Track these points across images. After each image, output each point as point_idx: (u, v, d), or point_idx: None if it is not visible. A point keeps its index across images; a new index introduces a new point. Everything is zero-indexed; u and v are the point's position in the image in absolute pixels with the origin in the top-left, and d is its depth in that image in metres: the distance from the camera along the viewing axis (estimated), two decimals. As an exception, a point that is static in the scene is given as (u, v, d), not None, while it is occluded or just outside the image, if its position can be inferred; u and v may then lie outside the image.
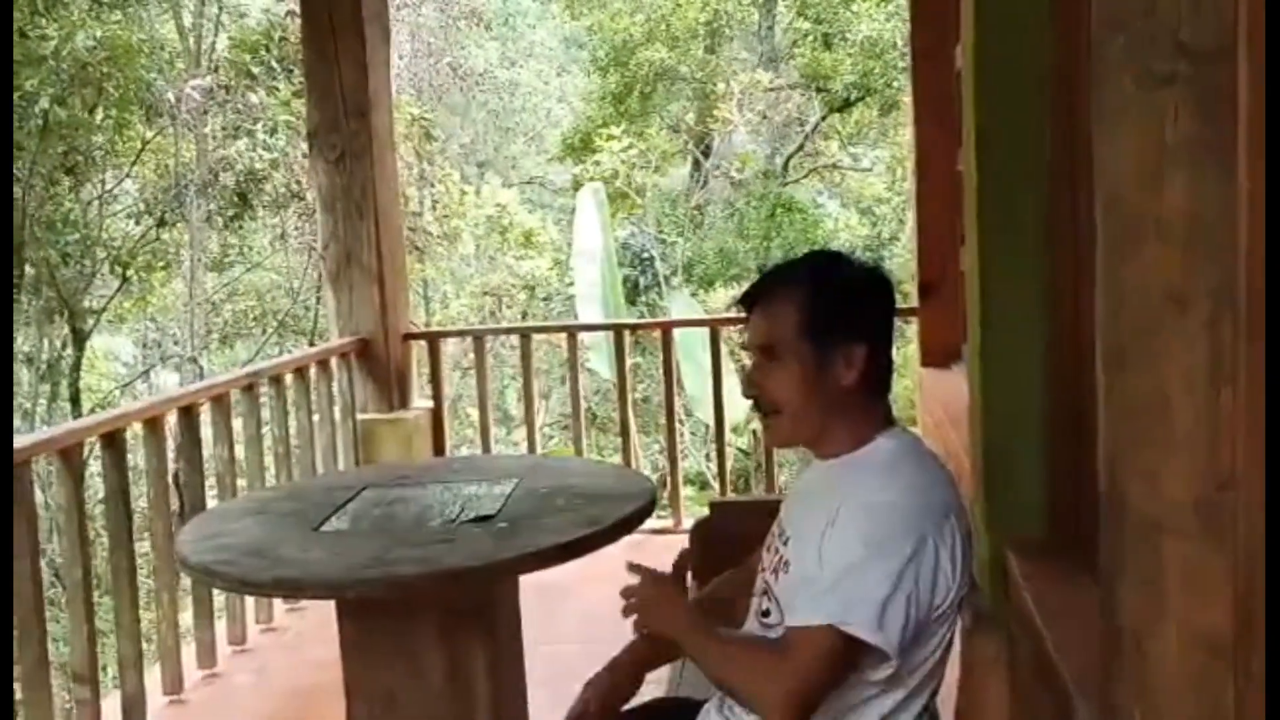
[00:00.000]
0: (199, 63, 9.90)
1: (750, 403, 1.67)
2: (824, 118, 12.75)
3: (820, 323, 1.56)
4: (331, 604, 2.29)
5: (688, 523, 4.57)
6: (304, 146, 8.55)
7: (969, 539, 1.55)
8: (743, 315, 1.66)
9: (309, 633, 3.87)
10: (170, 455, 4.02)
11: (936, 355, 3.98)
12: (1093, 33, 1.11)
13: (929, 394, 3.84)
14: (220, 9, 10.20)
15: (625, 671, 1.82)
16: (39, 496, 3.42)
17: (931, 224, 4.20)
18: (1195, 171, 1.01)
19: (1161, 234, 1.03)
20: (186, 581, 3.76)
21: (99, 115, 9.08)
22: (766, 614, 1.63)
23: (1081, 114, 2.08)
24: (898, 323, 2.11)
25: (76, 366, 9.80)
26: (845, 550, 1.48)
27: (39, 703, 2.87)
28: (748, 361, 1.68)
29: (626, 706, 1.88)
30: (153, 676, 3.39)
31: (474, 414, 8.52)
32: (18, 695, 2.75)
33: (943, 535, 1.49)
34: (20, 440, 2.88)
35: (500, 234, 11.59)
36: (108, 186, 9.73)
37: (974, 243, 2.37)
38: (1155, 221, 1.04)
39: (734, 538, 2.32)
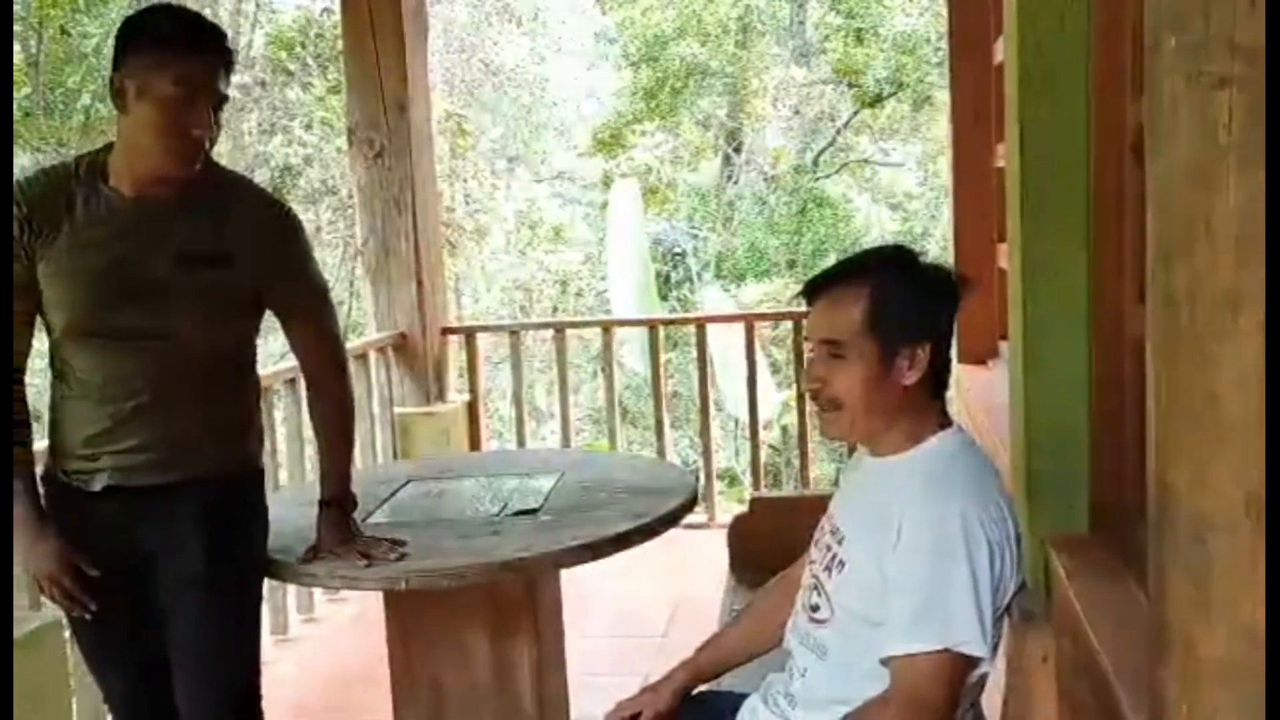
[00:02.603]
0: (236, 59, 10.01)
1: (810, 394, 1.65)
2: (855, 113, 12.71)
3: (887, 321, 1.55)
4: (373, 595, 2.33)
5: (722, 518, 4.60)
6: (338, 142, 8.65)
7: (1019, 537, 1.56)
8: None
9: (349, 623, 3.93)
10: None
11: (973, 353, 3.97)
12: (1146, 34, 1.12)
13: (966, 392, 3.83)
14: (258, 6, 10.29)
15: (666, 695, 1.81)
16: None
17: (968, 220, 4.19)
18: (1248, 174, 1.02)
19: (1213, 235, 1.04)
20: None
21: (138, 111, 9.17)
22: (816, 609, 1.64)
23: (1127, 110, 2.09)
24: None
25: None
26: (921, 568, 1.48)
27: (88, 685, 2.93)
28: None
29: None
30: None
31: (504, 407, 8.59)
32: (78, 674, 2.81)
33: (1001, 535, 1.51)
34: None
35: (530, 228, 11.64)
36: (145, 181, 9.83)
37: (1016, 240, 2.37)
38: (1206, 223, 1.05)
39: (773, 534, 2.34)
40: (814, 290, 1.63)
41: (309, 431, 4.15)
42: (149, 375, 1.92)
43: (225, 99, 1.91)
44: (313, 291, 2.09)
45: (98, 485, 1.95)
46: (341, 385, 2.15)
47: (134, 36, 1.88)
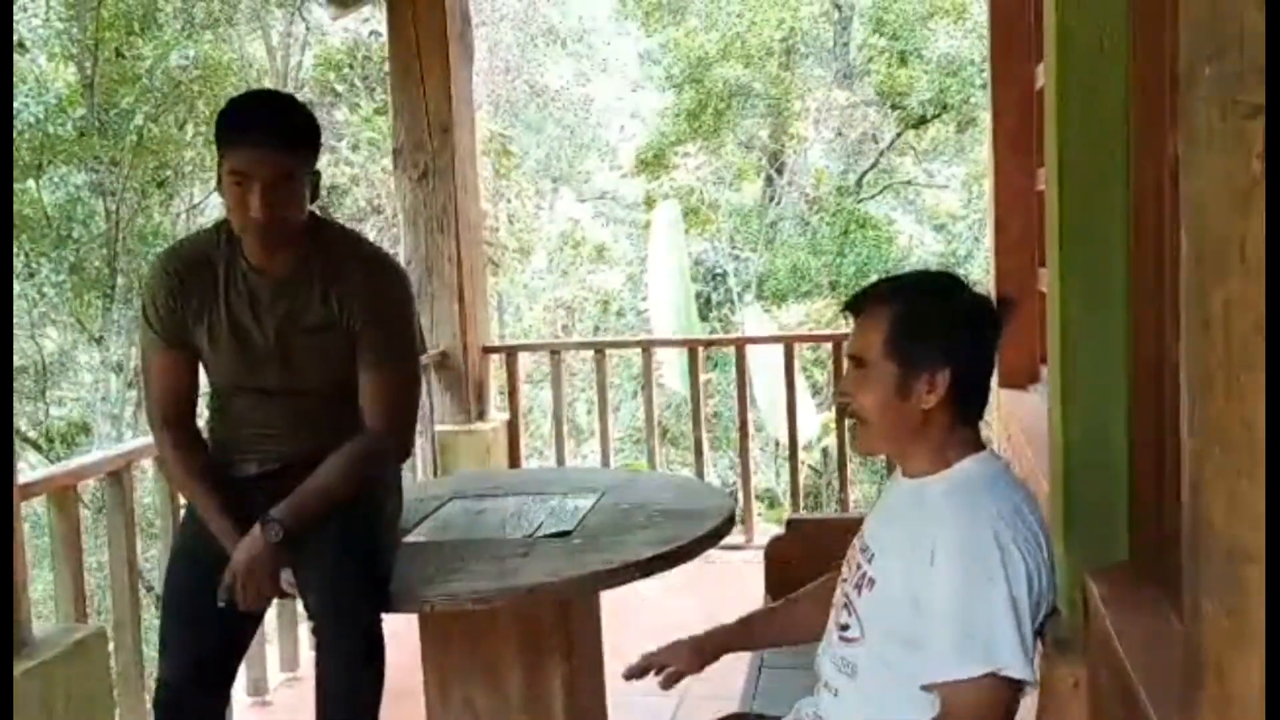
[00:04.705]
0: (285, 81, 10.17)
1: (842, 409, 1.70)
2: (899, 134, 12.68)
3: (906, 343, 1.56)
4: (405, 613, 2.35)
5: (760, 540, 4.58)
6: (384, 162, 8.76)
7: (1053, 563, 1.56)
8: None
9: (386, 639, 3.94)
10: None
11: (1014, 376, 3.94)
12: (1181, 63, 1.13)
13: (1006, 415, 3.80)
14: (307, 29, 10.47)
15: (685, 652, 1.84)
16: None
17: (1009, 244, 4.16)
18: (1282, 201, 1.02)
19: (1248, 264, 1.04)
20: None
21: (189, 131, 9.37)
22: (846, 628, 1.64)
23: (1166, 137, 2.07)
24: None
25: (163, 374, 10.06)
26: (959, 594, 1.48)
27: (131, 694, 2.98)
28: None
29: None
30: (238, 678, 3.48)
31: (544, 425, 8.64)
32: (114, 691, 2.86)
33: (1035, 558, 1.51)
34: (122, 446, 3.01)
35: (573, 248, 11.71)
36: (195, 200, 10.02)
37: (1055, 264, 2.36)
38: (1241, 251, 1.04)
39: (809, 556, 2.34)
40: (852, 307, 1.66)
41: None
42: (288, 416, 2.22)
43: (290, 175, 2.05)
44: (387, 346, 2.20)
45: (249, 471, 2.25)
46: (376, 443, 2.20)
47: (216, 128, 2.09)
